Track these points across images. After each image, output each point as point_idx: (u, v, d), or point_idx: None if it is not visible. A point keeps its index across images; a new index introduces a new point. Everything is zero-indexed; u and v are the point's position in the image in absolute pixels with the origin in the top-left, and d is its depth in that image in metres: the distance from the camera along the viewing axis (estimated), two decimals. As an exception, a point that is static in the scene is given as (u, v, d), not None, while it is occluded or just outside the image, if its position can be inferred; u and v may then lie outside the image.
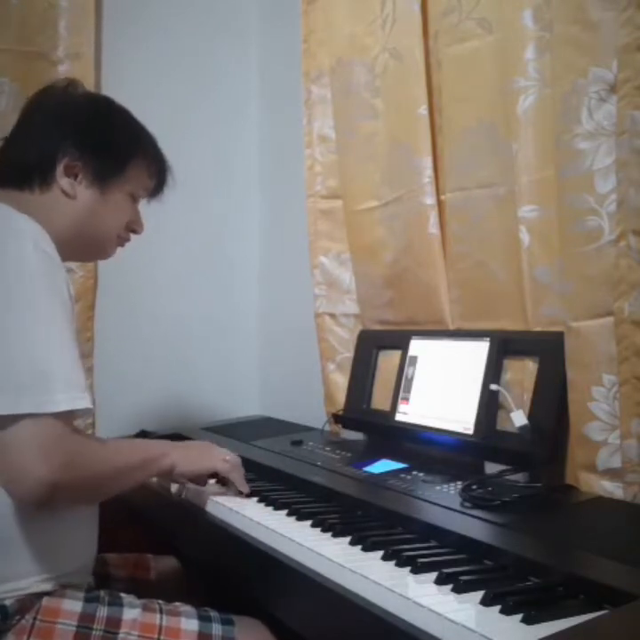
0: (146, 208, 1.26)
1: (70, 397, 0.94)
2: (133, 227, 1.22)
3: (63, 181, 1.12)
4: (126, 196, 1.19)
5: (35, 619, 0.97)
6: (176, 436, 1.75)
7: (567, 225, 1.17)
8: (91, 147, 1.13)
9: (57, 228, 1.08)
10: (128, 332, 1.99)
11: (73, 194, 1.12)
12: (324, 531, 1.04)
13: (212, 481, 1.30)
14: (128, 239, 1.23)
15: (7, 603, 0.96)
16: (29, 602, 0.98)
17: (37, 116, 1.17)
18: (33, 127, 1.16)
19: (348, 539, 0.99)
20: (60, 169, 1.11)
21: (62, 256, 1.12)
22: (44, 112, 1.16)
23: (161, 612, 1.04)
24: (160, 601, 1.08)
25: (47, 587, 1.00)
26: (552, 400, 1.22)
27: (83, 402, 0.95)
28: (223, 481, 1.27)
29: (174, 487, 1.29)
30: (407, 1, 1.53)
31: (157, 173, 1.22)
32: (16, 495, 0.95)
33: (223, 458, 1.21)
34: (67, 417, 0.95)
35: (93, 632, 0.98)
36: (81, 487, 0.99)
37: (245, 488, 1.22)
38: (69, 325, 0.99)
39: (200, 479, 1.25)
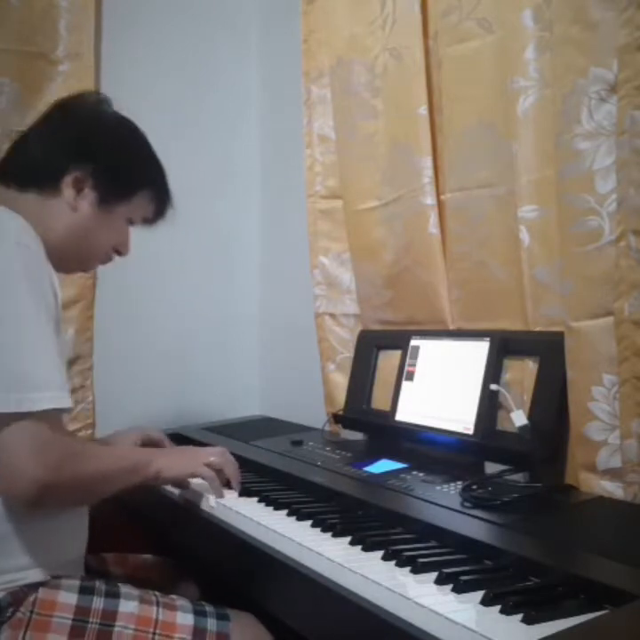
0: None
1: (52, 397, 0.95)
2: (120, 248, 1.23)
3: (68, 192, 1.12)
4: (124, 219, 1.20)
5: (31, 611, 0.97)
6: (176, 436, 1.75)
7: (567, 225, 1.17)
8: (106, 169, 1.14)
9: (50, 234, 1.09)
10: (128, 331, 1.98)
11: (74, 207, 1.13)
12: (323, 531, 1.04)
13: (196, 481, 1.26)
14: (111, 259, 1.25)
15: (0, 595, 0.96)
16: (22, 594, 0.98)
17: (61, 122, 1.17)
18: (53, 133, 1.16)
19: (348, 539, 0.99)
20: (68, 179, 1.12)
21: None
22: (69, 121, 1.17)
23: (158, 604, 1.05)
24: (157, 593, 1.09)
25: (39, 577, 1.01)
26: (552, 400, 1.22)
27: (64, 401, 0.98)
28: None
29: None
30: (407, 1, 1.53)
31: (160, 207, 1.24)
32: (9, 494, 0.96)
33: (206, 461, 1.20)
34: (55, 417, 0.98)
35: (89, 625, 0.99)
36: (71, 489, 1.00)
37: (219, 495, 1.20)
38: (50, 325, 1.00)
39: (183, 483, 1.26)
